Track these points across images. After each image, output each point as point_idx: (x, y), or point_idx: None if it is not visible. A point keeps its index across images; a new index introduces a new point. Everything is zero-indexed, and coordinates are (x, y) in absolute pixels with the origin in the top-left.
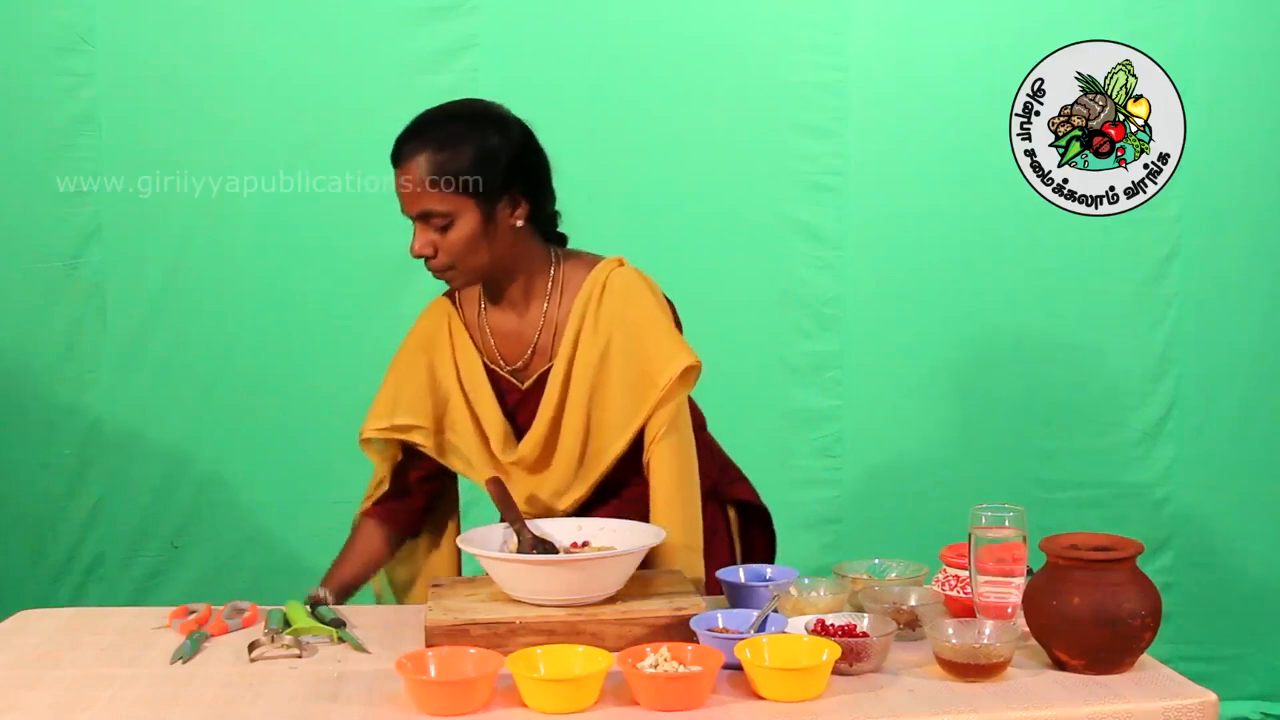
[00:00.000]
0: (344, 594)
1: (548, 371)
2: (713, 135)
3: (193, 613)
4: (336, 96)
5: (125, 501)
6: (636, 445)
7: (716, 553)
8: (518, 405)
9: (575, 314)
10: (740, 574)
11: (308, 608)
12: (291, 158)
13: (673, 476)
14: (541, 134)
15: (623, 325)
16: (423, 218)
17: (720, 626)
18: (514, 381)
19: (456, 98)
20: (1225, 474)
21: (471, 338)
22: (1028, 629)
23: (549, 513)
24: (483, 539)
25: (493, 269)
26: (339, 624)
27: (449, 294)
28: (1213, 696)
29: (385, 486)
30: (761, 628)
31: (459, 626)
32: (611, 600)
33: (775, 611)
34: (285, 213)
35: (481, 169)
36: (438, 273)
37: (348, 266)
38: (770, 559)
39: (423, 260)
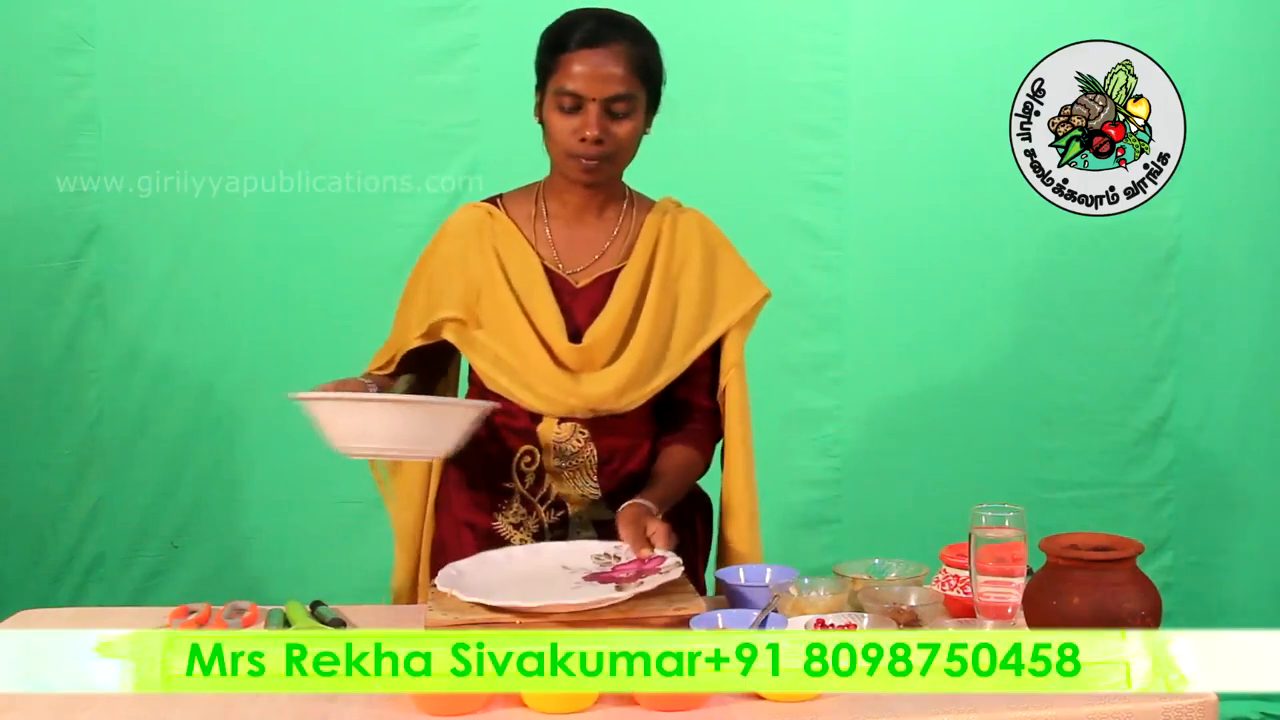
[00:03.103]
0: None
1: (611, 274)
2: (713, 135)
3: (193, 613)
4: (336, 96)
5: (125, 501)
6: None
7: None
8: (569, 305)
9: (652, 222)
10: (740, 574)
11: (307, 608)
12: (291, 158)
13: (740, 413)
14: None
15: (701, 241)
16: (609, 101)
17: (720, 627)
18: (569, 281)
19: (456, 97)
20: (1225, 474)
21: (527, 240)
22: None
23: (602, 415)
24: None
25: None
26: (339, 624)
27: (486, 202)
28: (1213, 696)
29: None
30: (761, 628)
31: (459, 626)
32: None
33: (775, 611)
34: (285, 213)
35: (657, 74)
36: (598, 161)
37: (348, 266)
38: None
39: (582, 144)
